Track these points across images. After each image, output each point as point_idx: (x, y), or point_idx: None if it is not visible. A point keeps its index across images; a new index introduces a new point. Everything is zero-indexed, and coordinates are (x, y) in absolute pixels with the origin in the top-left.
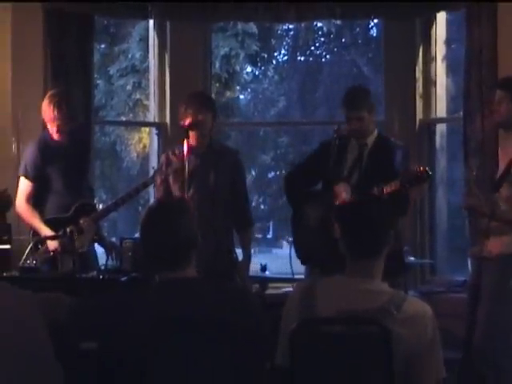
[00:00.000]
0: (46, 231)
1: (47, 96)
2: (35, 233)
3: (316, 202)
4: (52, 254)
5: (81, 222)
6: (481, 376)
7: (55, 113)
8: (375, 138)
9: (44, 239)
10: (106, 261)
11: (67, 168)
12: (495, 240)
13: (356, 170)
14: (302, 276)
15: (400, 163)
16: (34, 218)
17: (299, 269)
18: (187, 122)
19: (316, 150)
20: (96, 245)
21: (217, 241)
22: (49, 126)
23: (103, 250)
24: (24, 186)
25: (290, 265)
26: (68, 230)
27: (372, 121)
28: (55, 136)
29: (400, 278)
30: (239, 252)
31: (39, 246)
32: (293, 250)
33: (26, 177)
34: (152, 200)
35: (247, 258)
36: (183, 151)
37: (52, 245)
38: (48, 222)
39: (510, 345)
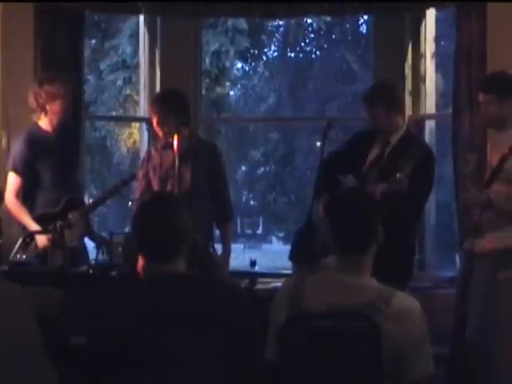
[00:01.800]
0: (34, 227)
1: (52, 87)
2: (25, 228)
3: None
4: (42, 249)
5: (69, 216)
6: (470, 372)
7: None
8: (400, 136)
9: (34, 234)
10: (97, 255)
11: (56, 163)
12: (487, 235)
13: (375, 167)
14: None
15: (418, 168)
16: (22, 214)
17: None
18: (153, 122)
19: (349, 139)
20: (86, 239)
21: (195, 236)
22: (39, 118)
23: (94, 244)
24: (13, 180)
25: None
26: (57, 224)
27: (394, 118)
28: (48, 129)
29: (409, 280)
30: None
31: (28, 241)
32: None
33: (15, 171)
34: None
35: (227, 253)
36: (163, 147)
37: (41, 241)
38: (38, 218)
39: (500, 338)
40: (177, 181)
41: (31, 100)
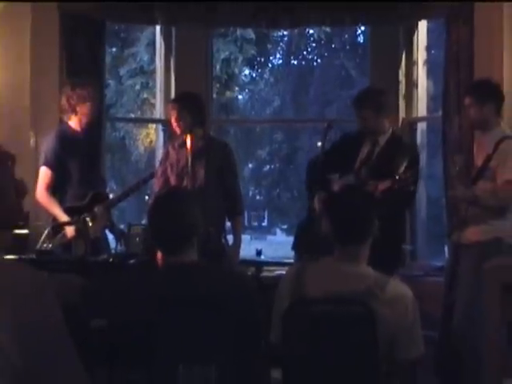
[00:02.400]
0: (64, 218)
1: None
2: (55, 219)
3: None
4: (69, 239)
5: (95, 209)
6: (456, 352)
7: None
8: (388, 137)
9: (61, 225)
10: (116, 245)
11: (83, 160)
12: (473, 228)
13: (365, 166)
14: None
15: (406, 165)
16: (53, 206)
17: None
18: (172, 121)
19: (336, 141)
20: (107, 231)
21: (208, 228)
22: (70, 118)
23: (113, 236)
24: (44, 175)
25: None
26: (83, 217)
27: (382, 120)
28: (77, 128)
29: (398, 267)
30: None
31: (56, 231)
32: None
33: (47, 166)
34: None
35: (238, 244)
36: (180, 145)
37: (69, 231)
38: (66, 210)
39: (486, 325)
40: (191, 177)
41: (63, 101)
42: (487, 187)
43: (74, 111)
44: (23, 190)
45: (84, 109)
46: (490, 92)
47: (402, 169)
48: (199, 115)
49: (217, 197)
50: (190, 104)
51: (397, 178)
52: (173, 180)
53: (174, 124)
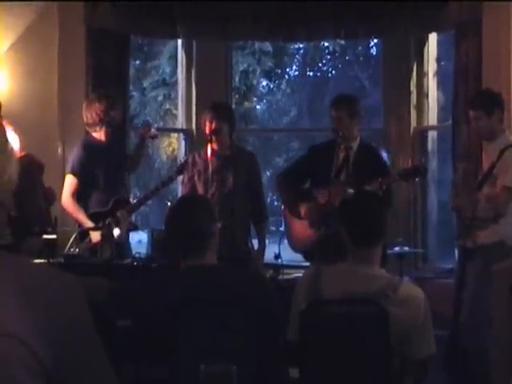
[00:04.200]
0: (89, 224)
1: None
2: (80, 225)
3: (305, 198)
4: (95, 244)
5: (118, 214)
6: (465, 351)
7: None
8: (358, 142)
9: (87, 230)
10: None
11: (107, 167)
12: (478, 232)
13: (344, 170)
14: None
15: (382, 163)
16: (77, 212)
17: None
18: (207, 129)
19: (305, 153)
20: (130, 235)
21: (235, 232)
22: (96, 130)
23: (137, 239)
24: (70, 182)
25: None
26: (108, 221)
27: (354, 126)
28: (102, 138)
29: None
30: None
31: (83, 236)
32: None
33: (73, 174)
34: (179, 196)
35: (262, 247)
36: (207, 153)
37: (94, 236)
38: (90, 216)
39: (490, 322)
40: (219, 184)
41: (91, 113)
42: (490, 194)
43: (101, 122)
44: (52, 197)
45: (110, 119)
46: (496, 102)
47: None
48: (231, 125)
49: (244, 203)
50: (228, 115)
51: (396, 173)
52: (200, 187)
53: (208, 130)
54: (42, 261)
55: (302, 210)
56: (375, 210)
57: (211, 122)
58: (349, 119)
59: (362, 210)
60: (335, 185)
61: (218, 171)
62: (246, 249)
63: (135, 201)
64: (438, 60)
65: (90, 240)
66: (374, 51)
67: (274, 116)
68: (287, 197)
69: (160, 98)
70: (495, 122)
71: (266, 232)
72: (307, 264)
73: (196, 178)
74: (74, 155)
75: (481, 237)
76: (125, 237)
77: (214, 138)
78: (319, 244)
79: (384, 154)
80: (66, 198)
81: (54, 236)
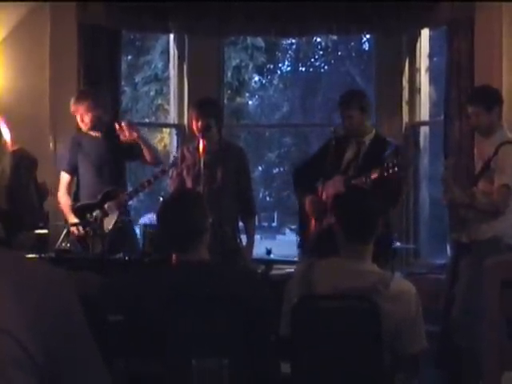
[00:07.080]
0: (71, 218)
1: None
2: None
3: (312, 193)
4: (80, 237)
5: (105, 206)
6: (456, 346)
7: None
8: (372, 137)
9: (75, 225)
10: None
11: (98, 162)
12: (472, 228)
13: (352, 165)
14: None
15: (390, 157)
16: (65, 207)
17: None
18: (195, 126)
19: (317, 151)
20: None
21: (224, 228)
22: (84, 125)
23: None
24: (62, 178)
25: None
26: (94, 214)
27: (365, 120)
28: (91, 134)
29: (388, 261)
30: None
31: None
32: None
33: (64, 170)
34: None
35: (251, 243)
36: (196, 149)
37: (74, 230)
38: (78, 209)
39: (482, 318)
40: (208, 180)
41: (79, 119)
42: (486, 189)
43: (82, 120)
44: (45, 192)
45: (86, 119)
46: (496, 98)
47: (390, 158)
48: (219, 120)
49: (232, 199)
50: (216, 111)
51: (385, 165)
52: (189, 182)
53: (195, 128)
54: (34, 255)
55: (306, 204)
56: (368, 205)
57: (198, 120)
58: (359, 114)
59: (354, 206)
60: (336, 179)
61: (206, 166)
62: (235, 244)
63: (126, 193)
64: (430, 56)
65: (73, 233)
66: (366, 47)
67: (266, 111)
68: (299, 193)
69: (152, 93)
70: (494, 118)
71: (254, 227)
72: (299, 259)
73: (185, 173)
74: (66, 152)
75: (475, 232)
76: (113, 228)
77: (202, 135)
78: (318, 238)
79: (394, 147)
80: (59, 194)
81: (45, 231)
